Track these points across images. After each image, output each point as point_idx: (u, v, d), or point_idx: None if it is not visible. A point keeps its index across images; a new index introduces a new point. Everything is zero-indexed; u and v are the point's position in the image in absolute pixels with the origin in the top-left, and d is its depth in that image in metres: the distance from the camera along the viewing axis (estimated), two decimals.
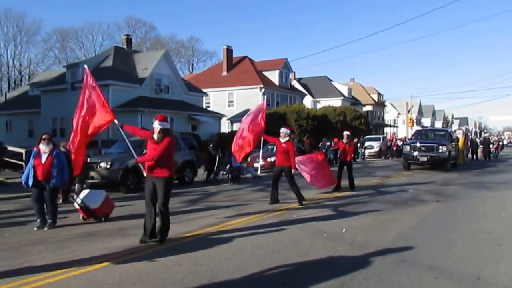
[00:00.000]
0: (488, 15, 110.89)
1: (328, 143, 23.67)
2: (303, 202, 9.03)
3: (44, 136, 7.02)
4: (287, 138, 9.15)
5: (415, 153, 17.39)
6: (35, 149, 6.98)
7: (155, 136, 5.67)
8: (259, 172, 15.27)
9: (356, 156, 27.03)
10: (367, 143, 29.27)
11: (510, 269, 4.62)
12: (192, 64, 70.36)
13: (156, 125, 5.62)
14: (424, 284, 4.12)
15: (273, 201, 9.11)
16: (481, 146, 28.12)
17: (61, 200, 9.58)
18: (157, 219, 5.74)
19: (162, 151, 5.57)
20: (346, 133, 12.22)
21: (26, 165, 15.60)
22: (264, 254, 5.17)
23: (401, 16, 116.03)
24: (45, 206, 7.03)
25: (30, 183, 6.80)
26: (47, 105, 27.20)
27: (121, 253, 5.28)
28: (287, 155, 9.02)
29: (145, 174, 5.81)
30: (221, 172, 14.86)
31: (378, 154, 29.47)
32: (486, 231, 6.45)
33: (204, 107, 32.25)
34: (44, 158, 6.88)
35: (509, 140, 58.48)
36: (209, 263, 4.80)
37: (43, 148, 6.92)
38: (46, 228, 6.85)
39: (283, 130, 9.30)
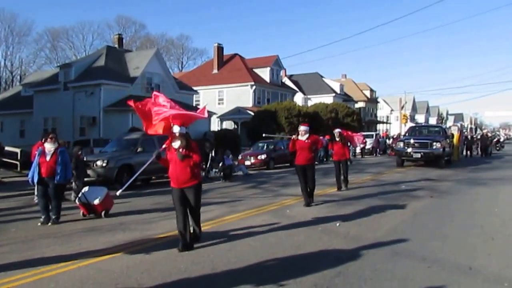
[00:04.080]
0: (484, 10, 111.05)
1: None
2: (311, 204, 8.52)
3: (51, 135, 7.30)
4: (307, 135, 8.71)
5: (409, 150, 17.27)
6: (40, 147, 7.22)
7: (177, 143, 5.26)
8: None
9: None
10: None
11: (502, 260, 4.70)
12: (182, 62, 70.12)
13: (183, 130, 5.31)
14: (417, 273, 4.26)
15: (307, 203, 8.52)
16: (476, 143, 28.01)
17: None
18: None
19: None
20: (337, 131, 11.66)
21: (20, 165, 15.61)
22: (261, 246, 5.34)
23: (394, 12, 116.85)
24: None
25: (36, 180, 7.02)
26: (40, 105, 27.03)
27: (125, 245, 5.44)
28: (310, 152, 8.66)
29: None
30: (214, 170, 15.01)
31: (370, 151, 29.80)
32: (479, 225, 6.54)
33: (194, 105, 32.24)
34: (48, 156, 7.09)
35: (505, 136, 58.38)
36: (210, 255, 4.97)
37: (49, 146, 7.14)
38: (49, 224, 7.02)
39: (302, 128, 8.76)
